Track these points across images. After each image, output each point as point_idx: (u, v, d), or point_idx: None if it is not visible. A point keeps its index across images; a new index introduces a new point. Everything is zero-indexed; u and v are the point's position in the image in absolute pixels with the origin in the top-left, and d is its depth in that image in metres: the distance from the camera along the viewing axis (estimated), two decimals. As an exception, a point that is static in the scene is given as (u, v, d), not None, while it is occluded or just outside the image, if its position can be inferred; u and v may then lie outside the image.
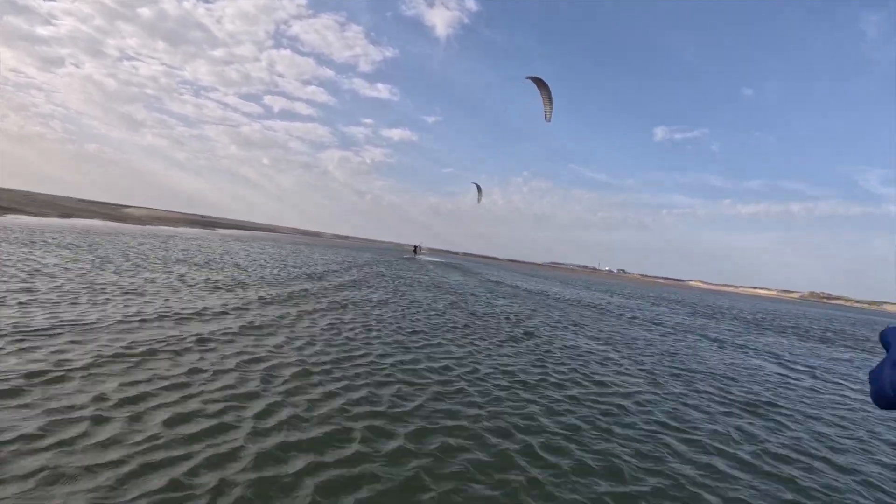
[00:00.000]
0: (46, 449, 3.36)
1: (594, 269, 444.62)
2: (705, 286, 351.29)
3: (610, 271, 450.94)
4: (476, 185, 39.11)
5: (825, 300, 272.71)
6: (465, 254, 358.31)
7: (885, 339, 0.65)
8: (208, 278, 13.51)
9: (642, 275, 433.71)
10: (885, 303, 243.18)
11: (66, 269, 11.84)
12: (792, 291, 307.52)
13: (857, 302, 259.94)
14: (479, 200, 39.07)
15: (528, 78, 18.54)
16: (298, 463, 3.68)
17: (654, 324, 18.25)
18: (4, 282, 9.06)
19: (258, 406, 4.66)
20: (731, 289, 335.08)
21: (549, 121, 18.48)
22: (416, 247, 78.08)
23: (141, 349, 5.88)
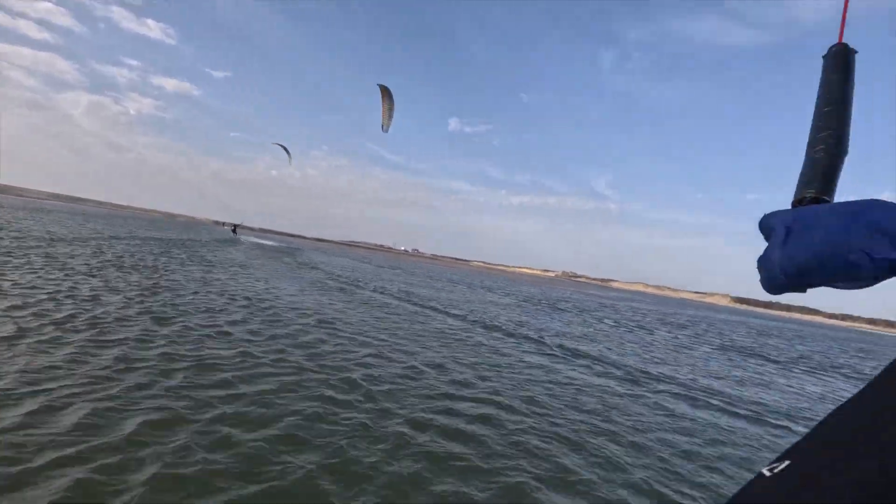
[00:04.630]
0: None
1: (390, 248, 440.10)
2: (485, 266, 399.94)
3: (405, 251, 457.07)
4: (281, 145, 36.57)
5: (574, 278, 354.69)
6: (261, 229, 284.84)
7: (765, 225, 0.56)
8: None
9: (433, 255, 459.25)
10: (612, 280, 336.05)
11: None
12: (550, 271, 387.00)
13: (593, 279, 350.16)
14: (290, 162, 37.88)
15: (378, 85, 19.38)
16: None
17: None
18: None
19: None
20: (506, 268, 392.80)
21: (386, 131, 19.54)
22: (234, 226, 78.38)
23: None
